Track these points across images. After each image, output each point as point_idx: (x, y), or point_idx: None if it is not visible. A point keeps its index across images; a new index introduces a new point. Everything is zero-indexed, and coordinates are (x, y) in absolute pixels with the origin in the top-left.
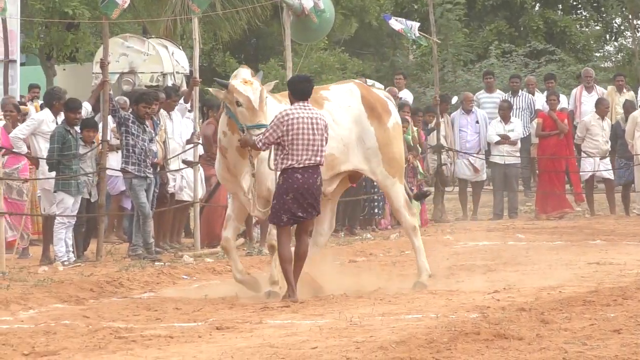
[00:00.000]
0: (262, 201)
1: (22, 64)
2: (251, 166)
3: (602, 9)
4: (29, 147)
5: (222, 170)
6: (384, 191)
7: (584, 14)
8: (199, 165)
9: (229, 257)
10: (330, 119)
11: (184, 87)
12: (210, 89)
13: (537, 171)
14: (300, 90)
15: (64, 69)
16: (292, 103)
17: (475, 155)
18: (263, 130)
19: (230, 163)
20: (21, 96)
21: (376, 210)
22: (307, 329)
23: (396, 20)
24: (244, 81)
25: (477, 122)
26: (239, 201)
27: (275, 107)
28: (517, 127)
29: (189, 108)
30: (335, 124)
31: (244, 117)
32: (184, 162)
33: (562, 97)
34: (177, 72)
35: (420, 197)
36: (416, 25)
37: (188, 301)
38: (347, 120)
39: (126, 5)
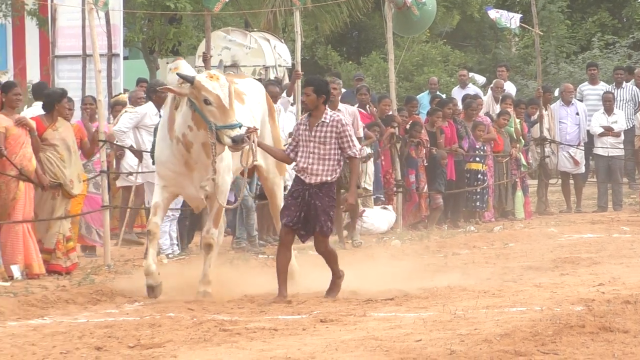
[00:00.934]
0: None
1: (125, 58)
2: (213, 171)
3: None
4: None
5: (176, 162)
6: (270, 190)
7: None
8: None
9: (151, 244)
10: (250, 115)
11: (286, 81)
12: (171, 87)
13: None
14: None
15: (167, 62)
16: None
17: (575, 147)
18: (237, 130)
19: (192, 158)
20: (125, 89)
21: (479, 203)
22: (411, 322)
23: (496, 11)
24: (210, 76)
25: (577, 113)
26: (171, 193)
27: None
28: (620, 119)
29: (292, 101)
30: (254, 120)
31: (214, 116)
32: None
33: None
34: (279, 65)
35: (260, 197)
36: (518, 17)
37: (292, 294)
38: (259, 117)
39: None
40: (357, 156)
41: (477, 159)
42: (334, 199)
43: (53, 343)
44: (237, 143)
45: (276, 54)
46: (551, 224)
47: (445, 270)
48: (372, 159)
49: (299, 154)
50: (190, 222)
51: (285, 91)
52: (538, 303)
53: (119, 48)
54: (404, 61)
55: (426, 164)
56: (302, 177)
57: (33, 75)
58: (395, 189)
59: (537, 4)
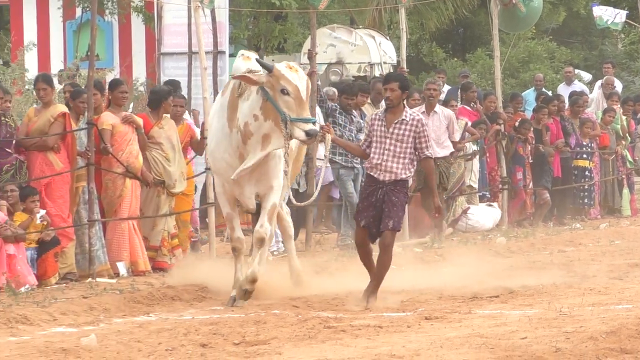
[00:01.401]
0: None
1: (230, 55)
2: (285, 163)
3: None
4: None
5: (232, 153)
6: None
7: None
8: None
9: (238, 260)
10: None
11: None
12: (247, 74)
13: None
14: None
15: (272, 60)
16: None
17: None
18: (310, 125)
19: (246, 151)
20: None
21: (586, 200)
22: (516, 319)
23: (601, 8)
24: (289, 67)
25: None
26: (231, 195)
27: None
28: None
29: None
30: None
31: (289, 107)
32: None
33: None
34: (385, 63)
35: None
36: (624, 13)
37: (397, 291)
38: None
39: None
40: (432, 157)
41: (584, 156)
42: (407, 195)
43: (158, 340)
44: (310, 137)
45: (381, 51)
46: None
47: (550, 267)
48: (477, 157)
49: (374, 150)
50: (295, 219)
51: None
52: None
53: (224, 45)
54: (509, 58)
55: (531, 161)
56: (375, 175)
57: (139, 72)
58: (500, 186)
59: None
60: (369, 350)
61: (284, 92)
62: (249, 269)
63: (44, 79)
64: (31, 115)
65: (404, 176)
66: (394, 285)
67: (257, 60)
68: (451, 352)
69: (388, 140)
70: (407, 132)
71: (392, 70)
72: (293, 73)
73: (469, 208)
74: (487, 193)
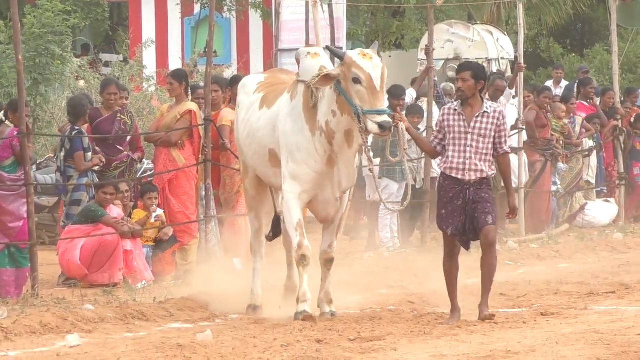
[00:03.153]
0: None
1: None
2: (369, 160)
3: None
4: None
5: (318, 159)
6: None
7: None
8: (523, 151)
9: (305, 270)
10: None
11: (509, 73)
12: (322, 75)
13: None
14: None
15: (390, 56)
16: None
17: None
18: (383, 117)
19: (334, 152)
20: None
21: None
22: (632, 315)
23: None
24: (363, 54)
25: None
26: (305, 202)
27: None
28: None
29: (514, 94)
30: None
31: (361, 98)
32: None
33: None
34: (502, 58)
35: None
36: None
37: (513, 287)
38: None
39: None
40: (510, 152)
41: None
42: (492, 191)
43: (274, 336)
44: (384, 130)
45: (499, 46)
46: None
47: None
48: (594, 152)
49: (453, 148)
50: (411, 216)
51: (508, 83)
52: None
53: (342, 41)
54: (627, 53)
55: None
56: (457, 176)
57: (257, 68)
58: (617, 181)
59: None
60: (484, 347)
61: (355, 80)
62: (322, 292)
63: (172, 74)
64: (164, 111)
65: (490, 173)
66: (510, 280)
67: (327, 47)
68: (567, 348)
69: (470, 136)
70: (490, 126)
71: (509, 66)
72: (366, 61)
73: (586, 204)
74: (604, 189)
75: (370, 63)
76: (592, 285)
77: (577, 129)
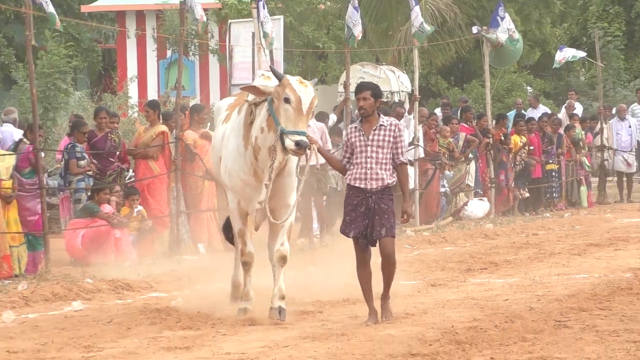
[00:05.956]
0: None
1: None
2: (268, 178)
3: None
4: None
5: (247, 171)
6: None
7: None
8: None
9: (248, 274)
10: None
11: (406, 103)
12: (255, 84)
13: None
14: None
15: (316, 89)
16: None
17: (628, 152)
18: (301, 137)
19: (259, 167)
20: None
21: (555, 195)
22: (500, 286)
23: (561, 50)
24: (300, 81)
25: (630, 126)
26: (244, 211)
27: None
28: None
29: (411, 118)
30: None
31: (287, 117)
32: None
33: None
34: (402, 91)
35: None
36: (583, 53)
37: (410, 265)
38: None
39: (359, 37)
40: (407, 163)
41: (550, 161)
42: (393, 201)
43: (228, 299)
44: (300, 147)
45: (400, 82)
46: (608, 211)
47: (526, 246)
48: (473, 162)
49: (356, 161)
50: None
51: (406, 110)
52: (597, 271)
53: None
54: (497, 87)
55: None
56: (360, 185)
57: (215, 99)
58: (489, 184)
59: (600, 43)
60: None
61: (287, 100)
62: (276, 288)
63: (148, 104)
64: (140, 132)
65: (390, 181)
66: (408, 259)
67: (270, 67)
68: (451, 311)
69: (369, 148)
70: (387, 137)
71: (407, 97)
72: (301, 86)
73: (467, 202)
74: (480, 190)
75: (304, 89)
76: (469, 263)
77: (461, 143)
